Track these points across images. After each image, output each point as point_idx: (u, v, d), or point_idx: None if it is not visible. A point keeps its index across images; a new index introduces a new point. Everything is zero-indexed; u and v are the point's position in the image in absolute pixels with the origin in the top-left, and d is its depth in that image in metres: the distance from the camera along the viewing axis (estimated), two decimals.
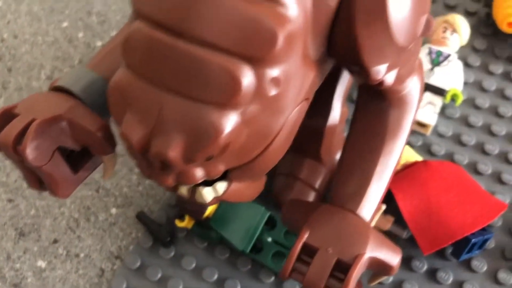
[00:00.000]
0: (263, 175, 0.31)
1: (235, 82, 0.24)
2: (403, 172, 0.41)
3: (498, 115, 0.48)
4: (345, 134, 0.45)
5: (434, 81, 0.47)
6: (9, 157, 0.31)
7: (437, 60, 0.48)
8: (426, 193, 0.40)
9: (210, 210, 0.42)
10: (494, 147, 0.46)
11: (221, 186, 0.30)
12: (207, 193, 0.30)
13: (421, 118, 0.46)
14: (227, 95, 0.24)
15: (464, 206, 0.39)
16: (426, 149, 0.47)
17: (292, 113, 0.28)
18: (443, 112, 0.48)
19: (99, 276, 0.44)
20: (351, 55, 0.27)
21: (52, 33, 0.57)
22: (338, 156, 0.45)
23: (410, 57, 0.30)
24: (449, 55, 0.48)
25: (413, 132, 0.47)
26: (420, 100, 0.35)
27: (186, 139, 0.25)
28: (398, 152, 0.34)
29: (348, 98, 0.48)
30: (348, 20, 0.26)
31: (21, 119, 0.31)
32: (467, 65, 0.51)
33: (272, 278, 0.42)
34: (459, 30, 0.48)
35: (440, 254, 0.42)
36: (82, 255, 0.45)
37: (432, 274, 0.41)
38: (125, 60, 0.26)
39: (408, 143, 0.47)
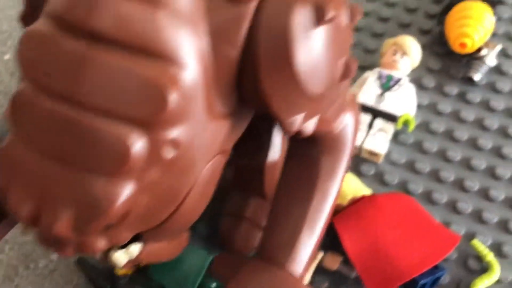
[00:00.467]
0: (181, 233, 0.30)
1: (124, 150, 0.22)
2: (349, 209, 0.39)
3: (453, 139, 0.46)
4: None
5: (385, 107, 0.45)
6: None
7: (388, 84, 0.46)
8: (372, 232, 0.38)
9: None
10: (449, 174, 0.45)
11: (135, 249, 0.28)
12: (120, 257, 0.28)
13: (372, 146, 0.44)
14: (117, 163, 0.22)
15: (412, 245, 0.37)
16: (378, 178, 0.45)
17: (203, 170, 0.26)
18: (396, 138, 0.46)
19: None
20: (262, 105, 0.25)
21: None
22: None
23: (332, 102, 0.28)
24: (400, 79, 0.46)
25: (365, 161, 0.46)
26: (355, 138, 0.33)
27: (76, 212, 0.23)
28: (332, 198, 0.32)
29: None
30: (252, 71, 0.24)
31: None
32: (421, 86, 0.49)
33: None
34: (409, 53, 0.46)
35: None
36: None
37: None
38: (10, 127, 0.24)
39: (360, 173, 0.45)
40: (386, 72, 0.46)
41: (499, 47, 0.48)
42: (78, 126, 0.22)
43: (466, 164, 0.45)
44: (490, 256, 0.40)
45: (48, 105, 0.22)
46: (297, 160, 0.32)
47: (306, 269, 0.31)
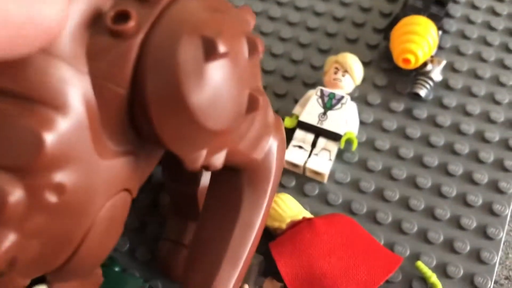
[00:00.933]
0: (90, 273, 0.28)
1: (0, 199, 0.20)
2: (286, 234, 0.38)
3: (399, 157, 0.45)
4: None
5: (327, 125, 0.44)
6: None
7: (330, 103, 0.45)
8: (308, 258, 0.37)
9: None
10: (394, 193, 0.44)
11: None
12: None
13: (315, 166, 0.43)
14: None
15: (348, 271, 0.36)
16: (323, 198, 0.44)
17: (103, 209, 0.24)
18: (340, 157, 0.45)
19: None
20: (158, 142, 0.24)
21: None
22: None
23: (243, 134, 0.27)
24: (342, 97, 0.45)
25: (309, 180, 0.45)
26: (280, 163, 0.32)
27: None
28: (255, 230, 0.31)
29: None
30: (143, 107, 0.23)
31: None
32: (367, 103, 0.48)
33: None
34: (350, 71, 0.45)
35: None
36: None
37: None
38: None
39: (303, 193, 0.44)
40: (328, 90, 0.45)
41: (444, 62, 0.48)
42: None
43: (412, 182, 0.44)
44: (434, 278, 0.39)
45: None
46: (219, 191, 0.31)
47: None
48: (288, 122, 0.45)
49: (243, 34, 0.24)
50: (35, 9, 0.18)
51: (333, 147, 0.44)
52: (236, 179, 0.31)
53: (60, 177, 0.22)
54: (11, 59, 0.19)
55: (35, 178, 0.21)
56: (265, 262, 0.40)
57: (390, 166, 0.45)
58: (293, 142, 0.45)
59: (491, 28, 0.51)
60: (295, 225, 0.39)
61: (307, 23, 0.53)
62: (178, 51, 0.22)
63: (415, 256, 0.41)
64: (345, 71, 0.45)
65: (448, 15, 0.52)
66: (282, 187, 0.44)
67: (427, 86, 0.47)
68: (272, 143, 0.31)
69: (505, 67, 0.49)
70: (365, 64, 0.50)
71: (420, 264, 0.40)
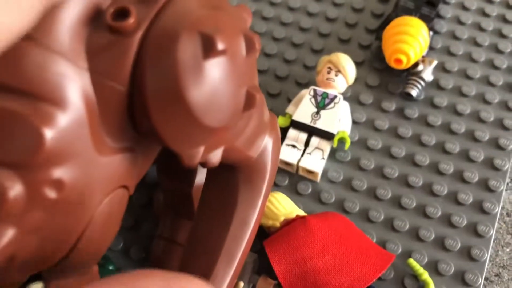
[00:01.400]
0: (86, 269, 0.28)
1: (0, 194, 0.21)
2: (280, 232, 0.39)
3: (391, 156, 0.46)
4: None
5: (320, 125, 0.45)
6: None
7: (323, 102, 0.45)
8: (301, 256, 0.37)
9: None
10: (386, 192, 0.44)
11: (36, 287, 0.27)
12: None
13: (308, 165, 0.44)
14: None
15: (341, 268, 0.37)
16: (316, 197, 0.44)
17: (100, 206, 0.25)
18: (333, 155, 0.46)
19: None
20: (157, 138, 0.24)
21: None
22: None
23: (240, 131, 0.27)
24: (335, 97, 0.45)
25: (302, 179, 0.45)
26: (276, 161, 0.32)
27: None
28: (250, 227, 0.31)
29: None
30: (142, 105, 0.23)
31: None
32: (359, 103, 0.49)
33: None
34: (343, 71, 0.46)
35: None
36: None
37: None
38: None
39: (297, 191, 0.44)
40: (321, 90, 0.46)
41: (435, 63, 0.48)
42: None
43: (404, 181, 0.45)
44: (425, 275, 0.40)
45: None
46: (214, 187, 0.31)
47: None
48: (282, 121, 0.46)
49: (241, 31, 0.25)
50: None
51: (326, 146, 0.45)
52: (232, 177, 0.31)
53: (59, 173, 0.22)
54: None
55: (34, 174, 0.21)
56: (259, 260, 0.40)
57: (382, 165, 0.46)
58: (286, 141, 0.45)
59: (481, 29, 0.52)
60: (289, 223, 0.39)
61: (300, 23, 0.53)
62: (177, 48, 0.22)
63: (407, 254, 0.42)
64: (338, 71, 0.46)
65: (439, 15, 0.53)
66: (275, 185, 0.45)
67: (419, 86, 0.48)
68: (267, 141, 0.31)
69: (495, 67, 0.50)
70: (358, 64, 0.50)
71: (412, 261, 0.41)
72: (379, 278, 0.41)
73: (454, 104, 0.48)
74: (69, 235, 0.24)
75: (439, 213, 0.43)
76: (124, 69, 0.22)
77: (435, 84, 0.49)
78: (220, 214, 0.31)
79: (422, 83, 0.48)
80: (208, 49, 0.23)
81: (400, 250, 0.42)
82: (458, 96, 0.49)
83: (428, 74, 0.48)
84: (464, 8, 0.54)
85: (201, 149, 0.25)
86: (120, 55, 0.22)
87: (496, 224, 0.43)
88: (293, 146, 0.45)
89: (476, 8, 0.54)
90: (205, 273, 0.30)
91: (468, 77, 0.50)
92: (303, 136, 0.45)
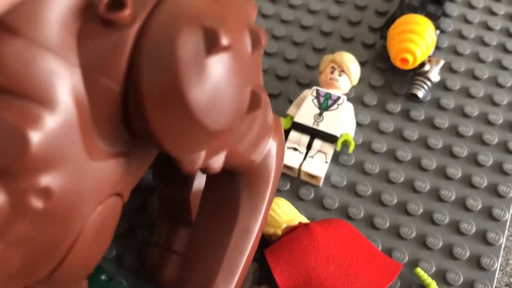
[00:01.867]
0: (76, 285, 0.26)
1: None
2: (283, 240, 0.37)
3: (396, 159, 0.44)
4: None
5: (323, 127, 0.43)
6: None
7: (326, 104, 0.43)
8: (305, 266, 0.35)
9: None
10: (391, 197, 0.42)
11: None
12: None
13: (310, 169, 0.42)
14: None
15: (347, 279, 0.35)
16: (318, 202, 0.42)
17: (92, 215, 0.22)
18: (336, 159, 0.44)
19: None
20: (153, 143, 0.22)
21: None
22: None
23: (243, 135, 0.25)
24: (338, 98, 0.43)
25: (304, 184, 0.43)
26: (279, 166, 0.30)
27: None
28: (253, 236, 0.29)
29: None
30: (137, 104, 0.21)
31: None
32: (363, 104, 0.47)
33: None
34: (347, 71, 0.44)
35: None
36: None
37: None
38: None
39: (298, 197, 0.42)
40: (324, 90, 0.44)
41: (442, 63, 0.46)
42: None
43: (410, 185, 0.43)
44: (433, 285, 0.38)
45: None
46: (215, 195, 0.29)
47: None
48: (283, 123, 0.44)
49: (246, 26, 0.23)
50: None
51: (329, 149, 0.43)
52: (233, 182, 0.29)
53: (47, 180, 0.20)
54: None
55: (18, 181, 0.19)
56: (260, 270, 0.38)
57: (387, 169, 0.44)
58: (287, 144, 0.43)
59: (489, 28, 0.50)
60: (291, 230, 0.37)
61: (301, 21, 0.51)
62: (178, 43, 0.20)
63: (414, 262, 0.40)
64: (342, 70, 0.44)
65: (445, 14, 0.51)
66: (276, 190, 0.43)
67: (425, 87, 0.46)
68: (271, 145, 0.29)
69: (503, 67, 0.48)
70: (361, 63, 0.49)
71: (419, 270, 0.39)
72: None
73: (462, 106, 0.46)
74: (57, 248, 0.22)
75: (447, 220, 0.41)
76: (119, 65, 0.20)
77: (442, 85, 0.47)
78: (220, 222, 0.29)
79: (429, 83, 0.46)
80: (212, 45, 0.20)
81: (406, 258, 0.40)
82: (466, 98, 0.47)
83: (435, 75, 0.46)
84: (471, 6, 0.52)
85: (202, 154, 0.23)
86: (114, 50, 0.20)
87: (506, 231, 0.41)
88: (295, 149, 0.43)
89: (483, 6, 0.52)
90: (206, 284, 0.28)
91: (476, 78, 0.48)
92: (305, 138, 0.43)
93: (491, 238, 0.41)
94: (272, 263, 0.36)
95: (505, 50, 0.49)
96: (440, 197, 0.42)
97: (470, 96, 0.47)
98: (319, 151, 0.43)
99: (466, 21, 0.51)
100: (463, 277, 0.39)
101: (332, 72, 0.44)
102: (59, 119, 0.19)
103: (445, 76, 0.48)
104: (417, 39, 0.44)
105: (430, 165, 0.44)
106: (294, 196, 0.43)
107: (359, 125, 0.46)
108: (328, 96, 0.43)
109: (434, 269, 0.40)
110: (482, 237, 0.41)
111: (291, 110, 0.44)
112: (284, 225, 0.38)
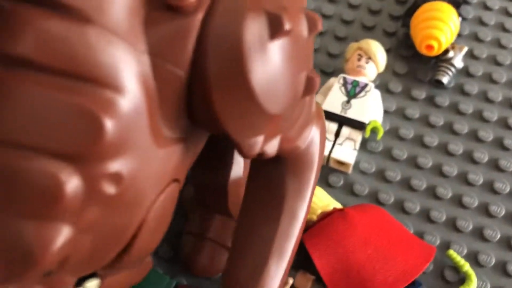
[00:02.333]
0: (140, 264, 0.27)
1: (56, 189, 0.19)
2: (319, 226, 0.37)
3: (423, 145, 0.45)
4: None
5: (351, 114, 0.43)
6: None
7: (353, 91, 0.44)
8: (344, 250, 0.35)
9: None
10: (421, 182, 0.43)
11: (92, 285, 0.25)
12: None
13: (340, 156, 0.42)
14: (48, 205, 0.19)
15: (386, 261, 0.35)
16: (348, 189, 0.43)
17: (157, 202, 0.23)
18: (364, 146, 0.44)
19: None
20: (216, 128, 0.23)
21: None
22: None
23: (296, 119, 0.26)
24: (366, 85, 0.44)
25: (333, 171, 0.43)
26: (322, 153, 0.31)
27: (6, 262, 0.20)
28: (300, 220, 0.29)
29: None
30: (203, 91, 0.21)
31: None
32: (388, 91, 0.47)
33: None
34: (374, 58, 0.44)
35: None
36: None
37: None
38: None
39: (328, 184, 0.43)
40: (351, 78, 0.44)
41: (465, 49, 0.47)
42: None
43: (438, 170, 0.43)
44: (467, 267, 0.39)
45: None
46: (261, 181, 0.30)
47: None
48: None
49: (302, 10, 0.23)
50: None
51: (358, 136, 0.43)
52: (279, 168, 0.29)
53: (118, 165, 0.20)
54: None
55: (92, 166, 0.19)
56: (297, 255, 0.39)
57: (415, 154, 0.44)
58: None
59: (509, 14, 0.51)
60: (326, 216, 0.38)
61: (322, 10, 0.52)
62: (243, 28, 0.20)
63: (445, 245, 0.41)
64: (369, 57, 0.44)
65: (465, 1, 0.51)
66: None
67: (449, 73, 0.46)
68: (314, 131, 0.30)
69: None
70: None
71: (452, 253, 0.39)
72: None
73: (485, 91, 0.47)
74: (124, 233, 0.22)
75: (476, 203, 0.42)
76: (185, 52, 0.21)
77: (464, 71, 0.48)
78: (268, 208, 0.29)
79: (453, 70, 0.46)
80: (275, 29, 0.21)
81: (438, 241, 0.41)
82: (489, 83, 0.47)
83: (458, 61, 0.46)
84: None
85: (260, 139, 0.24)
86: (181, 36, 0.20)
87: None
88: None
89: None
90: (257, 269, 0.28)
91: (498, 64, 0.48)
92: (333, 126, 0.44)
93: None
94: (311, 248, 0.36)
95: None
96: (468, 181, 0.43)
97: (493, 81, 0.48)
98: (348, 138, 0.43)
99: (486, 7, 0.51)
100: (495, 258, 0.40)
101: (359, 60, 0.44)
102: (129, 104, 0.20)
103: (467, 62, 0.48)
104: (441, 26, 0.45)
105: (457, 150, 0.44)
106: (324, 184, 0.43)
107: (385, 112, 0.46)
108: (355, 83, 0.44)
109: (465, 251, 0.40)
110: (511, 218, 0.41)
111: (317, 98, 0.45)
112: (319, 211, 0.38)
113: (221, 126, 0.22)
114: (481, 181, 0.43)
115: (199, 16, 0.21)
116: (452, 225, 0.41)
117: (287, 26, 0.21)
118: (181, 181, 0.25)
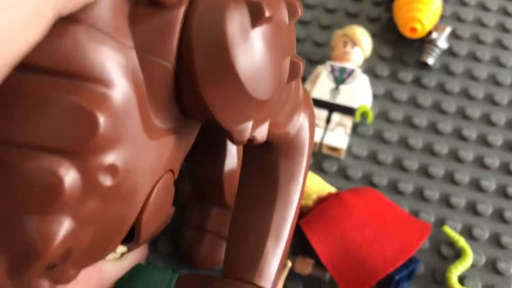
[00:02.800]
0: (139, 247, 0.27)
1: (56, 182, 0.19)
2: (316, 210, 0.38)
3: (413, 126, 0.45)
4: None
5: (341, 100, 0.44)
6: None
7: (341, 77, 0.44)
8: (341, 232, 0.36)
9: None
10: (413, 163, 0.44)
11: None
12: None
13: (332, 142, 0.43)
14: (49, 198, 0.20)
15: (383, 241, 0.36)
16: (342, 174, 0.44)
17: (154, 191, 0.24)
18: (355, 131, 0.45)
19: None
20: (205, 116, 0.23)
21: None
22: None
23: (283, 104, 0.26)
24: (353, 71, 0.45)
25: (326, 157, 0.44)
26: (312, 138, 0.31)
27: (10, 256, 0.20)
28: (295, 204, 0.30)
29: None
30: (190, 82, 0.22)
31: None
32: (375, 75, 0.48)
33: None
34: (359, 43, 0.45)
35: None
36: None
37: None
38: None
39: (322, 169, 0.44)
40: (338, 65, 0.45)
41: (448, 29, 0.48)
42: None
43: (429, 150, 0.44)
44: (462, 241, 0.40)
45: None
46: (254, 167, 0.30)
47: (275, 282, 0.29)
48: None
49: None
50: None
51: (348, 121, 0.44)
52: (271, 154, 0.30)
53: (112, 158, 0.21)
54: None
55: (88, 160, 0.20)
56: (295, 241, 0.39)
57: (405, 136, 0.45)
58: None
59: None
60: (322, 201, 0.39)
61: (305, 1, 0.52)
62: (225, 18, 0.21)
63: (440, 222, 0.41)
64: (354, 43, 0.45)
65: None
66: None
67: (434, 54, 0.47)
68: (303, 118, 0.30)
69: (506, 30, 0.50)
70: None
71: (447, 228, 0.40)
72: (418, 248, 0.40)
73: (470, 70, 0.48)
74: (124, 224, 0.23)
75: (468, 179, 0.43)
76: (170, 44, 0.21)
77: (449, 52, 0.49)
78: (262, 193, 0.30)
79: (437, 51, 0.47)
80: (256, 17, 0.22)
81: (433, 219, 0.42)
82: (473, 62, 0.48)
83: (442, 42, 0.47)
84: None
85: (250, 124, 0.24)
86: (165, 30, 0.21)
87: None
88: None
89: None
90: (256, 254, 0.29)
91: (481, 42, 0.49)
92: (323, 113, 0.44)
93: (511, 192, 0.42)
94: (309, 233, 0.37)
95: (507, 13, 0.51)
96: (459, 158, 0.44)
97: (477, 60, 0.48)
98: (339, 124, 0.44)
99: None
100: (489, 231, 0.41)
101: (344, 46, 0.45)
102: (120, 99, 0.20)
103: (451, 42, 0.49)
104: (424, 8, 0.46)
105: (446, 128, 0.45)
106: (318, 170, 0.44)
107: (374, 96, 0.47)
108: (342, 70, 0.45)
109: (460, 226, 0.41)
110: (503, 193, 0.42)
111: (306, 87, 0.46)
112: (314, 196, 0.39)
113: (211, 114, 0.23)
114: (471, 157, 0.44)
115: (182, 9, 0.21)
116: (445, 202, 0.42)
117: (267, 13, 0.22)
118: (175, 171, 0.25)
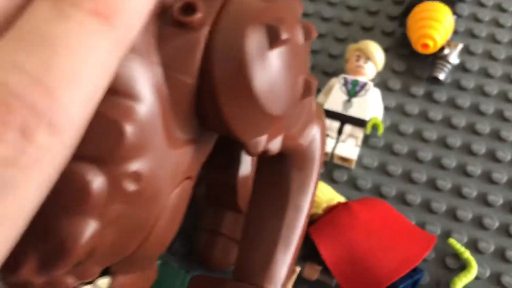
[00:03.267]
0: (151, 264, 0.29)
1: (84, 187, 0.21)
2: (325, 218, 0.39)
3: (423, 140, 0.47)
4: None
5: (353, 112, 0.45)
6: None
7: (354, 90, 0.46)
8: (348, 241, 0.38)
9: None
10: (421, 175, 0.45)
11: (104, 282, 0.27)
12: None
13: (343, 153, 0.44)
14: (78, 201, 0.21)
15: (389, 250, 0.37)
16: (352, 184, 0.45)
17: (171, 197, 0.25)
18: (366, 142, 0.47)
19: None
20: (223, 129, 0.25)
21: None
22: None
23: (297, 119, 0.28)
24: (365, 84, 0.46)
25: (337, 167, 0.46)
26: (323, 150, 0.33)
27: (40, 254, 0.22)
28: (305, 213, 0.32)
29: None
30: (211, 97, 0.24)
31: None
32: (387, 89, 0.49)
33: None
34: (372, 58, 0.46)
35: None
36: None
37: None
38: None
39: (332, 179, 0.45)
40: (351, 78, 0.46)
41: (460, 46, 0.49)
42: None
43: (437, 163, 0.45)
44: (467, 254, 0.41)
45: None
46: (267, 176, 0.32)
47: (284, 286, 0.31)
48: None
49: (298, 20, 0.25)
50: None
51: (359, 133, 0.45)
52: (284, 164, 0.32)
53: (137, 165, 0.22)
54: None
55: (114, 167, 0.22)
56: (304, 247, 0.41)
57: (415, 149, 0.46)
58: None
59: (503, 10, 0.53)
60: (331, 209, 0.40)
61: (321, 13, 0.54)
62: (244, 39, 0.23)
63: (446, 234, 0.42)
64: (367, 58, 0.46)
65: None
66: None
67: (446, 69, 0.48)
68: (316, 130, 0.32)
69: None
70: (383, 51, 0.51)
71: (452, 241, 0.41)
72: (423, 259, 0.41)
73: (481, 86, 0.49)
74: (144, 226, 0.25)
75: (475, 193, 0.44)
76: (193, 62, 0.23)
77: (461, 67, 0.50)
78: (274, 201, 0.31)
79: (449, 66, 0.48)
80: (274, 39, 0.23)
81: (439, 231, 0.43)
82: (485, 78, 0.49)
83: (454, 57, 0.48)
84: None
85: (264, 138, 0.26)
86: (189, 49, 0.23)
87: None
88: (326, 135, 0.46)
89: None
90: (266, 260, 0.30)
91: (493, 59, 0.50)
92: (336, 124, 0.46)
93: None
94: (317, 240, 0.38)
95: None
96: (467, 173, 0.45)
97: (489, 76, 0.49)
98: (350, 135, 0.45)
99: (481, 4, 0.53)
100: (494, 245, 0.42)
101: (357, 60, 0.47)
102: (146, 112, 0.22)
103: (463, 58, 0.50)
104: (436, 25, 0.47)
105: (455, 143, 0.46)
106: (328, 179, 0.45)
107: (385, 108, 0.48)
108: (355, 82, 0.46)
109: (466, 239, 0.42)
110: (510, 207, 0.43)
111: (320, 99, 0.47)
112: (324, 205, 0.41)
113: (228, 127, 0.24)
114: (479, 171, 0.45)
115: (205, 30, 0.23)
116: (452, 215, 0.43)
117: (284, 36, 0.23)
118: (193, 178, 0.27)
